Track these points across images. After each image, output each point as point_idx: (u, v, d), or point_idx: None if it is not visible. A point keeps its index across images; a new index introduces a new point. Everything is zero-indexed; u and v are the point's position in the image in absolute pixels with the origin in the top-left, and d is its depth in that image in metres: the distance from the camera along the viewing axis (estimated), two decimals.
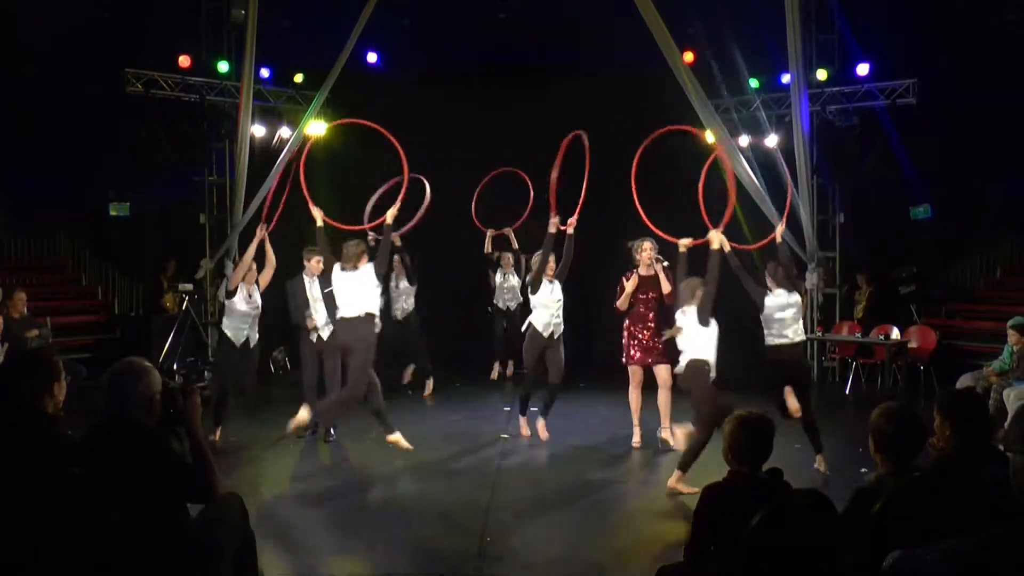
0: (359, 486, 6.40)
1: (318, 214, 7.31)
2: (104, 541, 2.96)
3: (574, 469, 6.71)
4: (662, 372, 7.19)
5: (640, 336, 7.22)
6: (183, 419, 3.20)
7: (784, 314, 6.42)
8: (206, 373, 10.17)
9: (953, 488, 2.92)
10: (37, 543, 2.98)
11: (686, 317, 6.35)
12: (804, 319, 11.04)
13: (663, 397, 7.22)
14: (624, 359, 7.34)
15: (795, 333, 6.48)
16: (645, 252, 7.24)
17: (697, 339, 6.26)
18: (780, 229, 6.99)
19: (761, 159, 10.13)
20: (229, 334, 7.39)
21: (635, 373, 7.30)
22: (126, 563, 2.96)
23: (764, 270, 6.66)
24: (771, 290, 6.47)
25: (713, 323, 6.29)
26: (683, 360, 6.32)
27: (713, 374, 6.22)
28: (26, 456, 3.09)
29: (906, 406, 3.32)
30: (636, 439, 7.31)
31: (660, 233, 7.30)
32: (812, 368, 6.56)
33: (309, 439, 7.55)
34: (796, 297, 6.50)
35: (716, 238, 6.54)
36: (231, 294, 7.38)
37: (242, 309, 7.35)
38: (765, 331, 6.51)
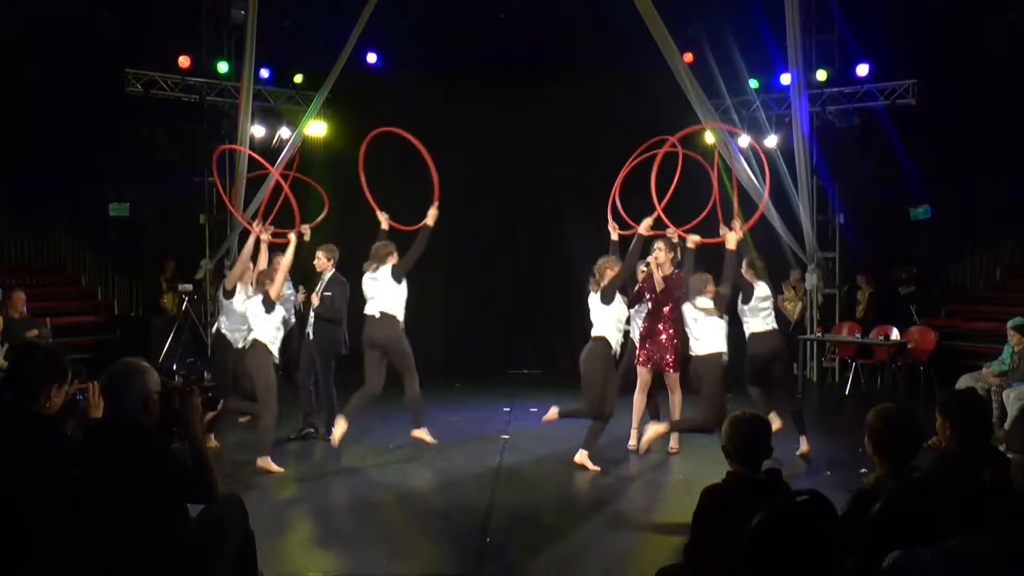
0: (359, 486, 6.39)
1: (383, 218, 7.39)
2: (104, 541, 2.96)
3: (574, 470, 6.70)
4: (672, 378, 7.16)
5: (649, 338, 7.12)
6: (181, 420, 3.20)
7: (766, 304, 6.92)
8: (206, 373, 10.17)
9: (953, 488, 2.92)
10: (37, 543, 2.98)
11: (696, 310, 6.60)
12: (804, 319, 11.21)
13: (674, 401, 7.19)
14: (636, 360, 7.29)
15: (772, 322, 7.01)
16: (657, 254, 7.12)
17: (711, 332, 6.57)
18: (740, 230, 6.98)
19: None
20: (228, 336, 7.21)
21: (642, 375, 7.18)
22: (126, 563, 2.96)
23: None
24: (754, 283, 6.86)
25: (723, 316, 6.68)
26: (696, 351, 6.61)
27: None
28: (26, 456, 3.10)
29: (902, 407, 3.32)
30: (632, 442, 7.26)
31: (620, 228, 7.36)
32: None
33: (311, 439, 7.57)
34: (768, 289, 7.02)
35: (733, 238, 6.74)
36: (229, 294, 7.19)
37: (241, 310, 7.13)
38: (750, 320, 6.92)
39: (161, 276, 12.38)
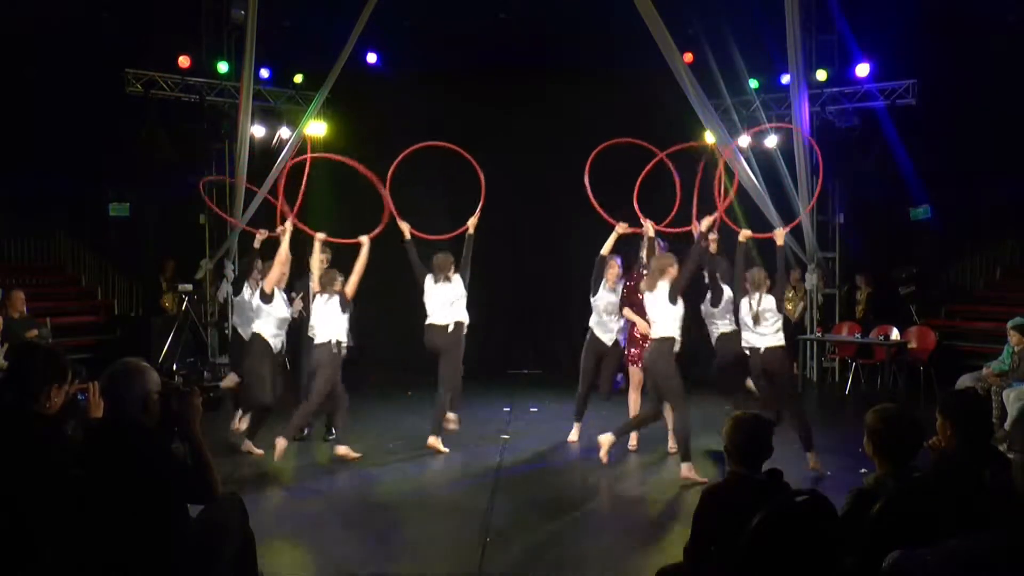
0: (359, 486, 6.40)
1: (406, 228, 7.44)
2: (104, 541, 2.96)
3: (574, 469, 6.71)
4: None
5: (639, 337, 7.19)
6: (181, 420, 3.20)
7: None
8: (205, 373, 10.16)
9: (953, 488, 2.92)
10: (37, 543, 2.98)
11: (760, 305, 6.55)
12: (804, 319, 11.22)
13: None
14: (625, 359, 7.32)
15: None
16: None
17: (776, 326, 6.56)
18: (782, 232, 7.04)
19: (761, 160, 10.13)
20: (269, 341, 6.89)
21: (634, 374, 7.25)
22: (126, 564, 2.96)
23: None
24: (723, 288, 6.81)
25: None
26: (758, 344, 6.53)
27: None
28: (26, 456, 3.09)
29: (902, 407, 3.32)
30: (632, 442, 7.28)
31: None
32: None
33: (310, 439, 7.56)
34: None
35: (781, 234, 6.87)
36: (268, 298, 6.88)
37: (282, 315, 6.96)
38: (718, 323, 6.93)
39: (161, 276, 12.38)
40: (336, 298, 6.86)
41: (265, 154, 10.94)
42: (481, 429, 8.09)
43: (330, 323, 6.82)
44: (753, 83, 11.19)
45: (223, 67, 11.09)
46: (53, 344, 9.21)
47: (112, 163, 11.75)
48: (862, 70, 10.80)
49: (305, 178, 8.09)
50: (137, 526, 2.97)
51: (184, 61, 10.85)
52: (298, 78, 11.74)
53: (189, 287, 11.23)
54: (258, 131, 11.07)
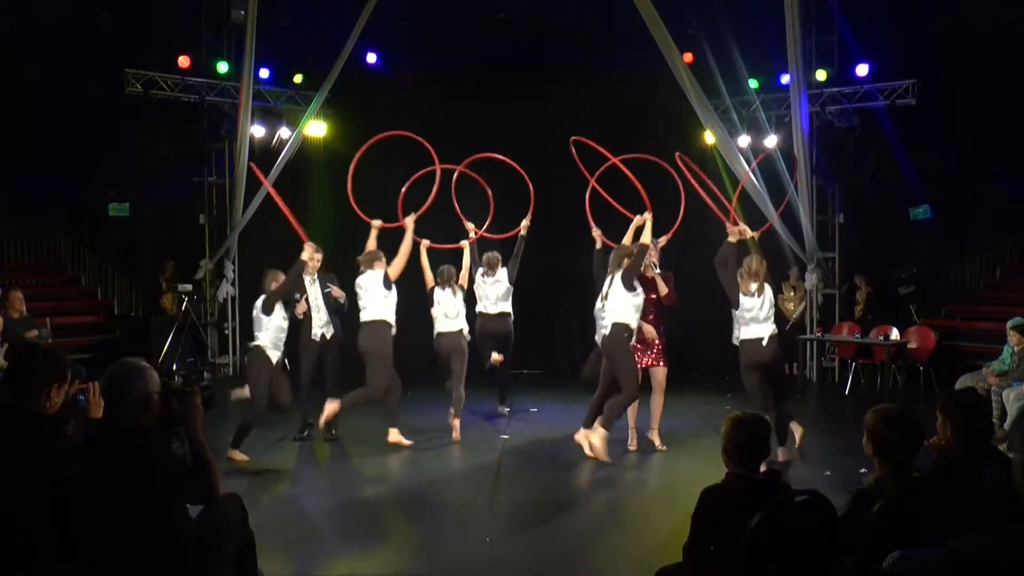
0: (359, 486, 6.40)
1: (471, 228, 8.28)
2: (104, 541, 2.96)
3: (573, 470, 6.70)
4: (658, 374, 7.18)
5: (643, 336, 7.16)
6: (181, 420, 3.20)
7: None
8: (206, 373, 10.16)
9: (954, 488, 2.92)
10: (37, 543, 2.98)
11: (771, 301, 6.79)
12: (804, 319, 11.22)
13: (656, 400, 7.22)
14: None
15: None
16: (651, 253, 7.19)
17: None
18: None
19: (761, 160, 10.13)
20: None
21: None
22: (126, 564, 2.96)
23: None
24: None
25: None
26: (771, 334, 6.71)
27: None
28: (26, 456, 3.09)
29: (902, 407, 3.32)
30: (632, 443, 7.27)
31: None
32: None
33: (310, 439, 7.56)
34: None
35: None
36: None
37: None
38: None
39: (161, 276, 12.37)
40: (458, 291, 7.75)
41: (265, 154, 10.94)
42: (481, 429, 8.09)
43: (460, 313, 7.72)
44: (753, 83, 11.19)
45: (223, 67, 11.10)
46: (53, 344, 9.23)
47: (112, 163, 11.75)
48: (862, 70, 10.81)
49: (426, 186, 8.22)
50: (137, 526, 2.96)
51: (184, 61, 10.85)
52: (298, 78, 11.74)
53: (189, 287, 11.23)
54: (258, 131, 11.08)
